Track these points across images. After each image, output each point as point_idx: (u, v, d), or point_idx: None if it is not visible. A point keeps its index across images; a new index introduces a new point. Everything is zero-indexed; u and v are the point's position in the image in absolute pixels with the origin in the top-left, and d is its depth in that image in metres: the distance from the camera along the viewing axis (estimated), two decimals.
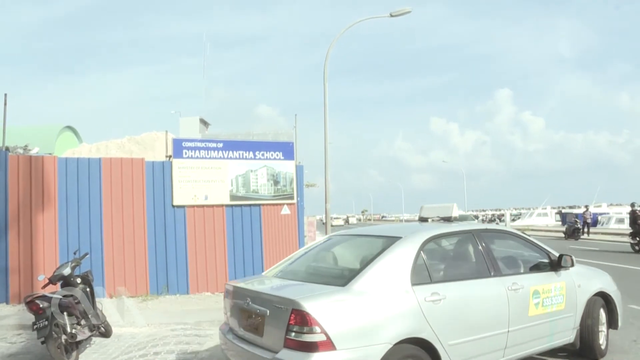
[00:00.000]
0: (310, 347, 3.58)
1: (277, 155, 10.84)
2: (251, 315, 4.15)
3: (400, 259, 4.22)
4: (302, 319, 3.62)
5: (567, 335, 5.26)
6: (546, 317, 4.97)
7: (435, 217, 5.78)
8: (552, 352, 5.40)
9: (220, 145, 10.40)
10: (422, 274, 4.26)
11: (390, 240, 4.46)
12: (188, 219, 10.07)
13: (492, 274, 4.71)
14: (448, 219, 5.56)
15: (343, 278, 4.17)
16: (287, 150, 11.02)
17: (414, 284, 4.11)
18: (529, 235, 5.76)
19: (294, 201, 11.04)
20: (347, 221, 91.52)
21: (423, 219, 5.90)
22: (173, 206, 9.96)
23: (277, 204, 10.86)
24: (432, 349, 4.03)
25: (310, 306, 3.63)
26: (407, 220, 73.06)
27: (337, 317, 3.70)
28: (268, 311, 3.91)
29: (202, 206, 10.17)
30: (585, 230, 29.22)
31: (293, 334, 3.66)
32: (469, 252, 4.95)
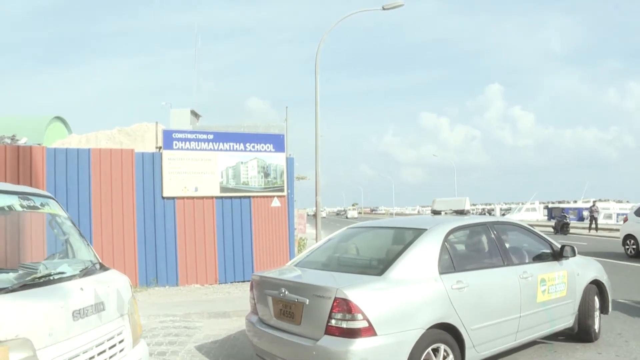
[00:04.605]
0: (353, 333, 3.73)
1: (268, 147, 10.81)
2: (287, 304, 4.24)
3: (428, 249, 4.43)
4: (345, 307, 3.76)
5: (567, 320, 5.62)
6: (551, 303, 5.31)
7: (447, 210, 5.91)
8: (551, 336, 5.68)
9: (211, 136, 10.36)
10: (447, 264, 4.50)
11: (417, 232, 4.65)
12: (178, 211, 10.04)
13: (505, 263, 5.03)
14: (461, 212, 5.75)
15: (376, 268, 4.36)
16: (277, 142, 10.99)
17: (441, 272, 4.34)
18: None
19: (285, 193, 11.04)
20: (345, 215, 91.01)
21: (436, 212, 6.03)
22: (163, 198, 9.92)
23: (267, 196, 10.85)
24: (457, 333, 4.27)
25: (352, 294, 3.78)
26: (397, 214, 73.28)
27: (377, 304, 3.86)
28: (307, 300, 4.01)
29: (192, 198, 10.14)
30: (593, 225, 27.21)
31: (335, 321, 3.79)
32: (485, 242, 5.22)
